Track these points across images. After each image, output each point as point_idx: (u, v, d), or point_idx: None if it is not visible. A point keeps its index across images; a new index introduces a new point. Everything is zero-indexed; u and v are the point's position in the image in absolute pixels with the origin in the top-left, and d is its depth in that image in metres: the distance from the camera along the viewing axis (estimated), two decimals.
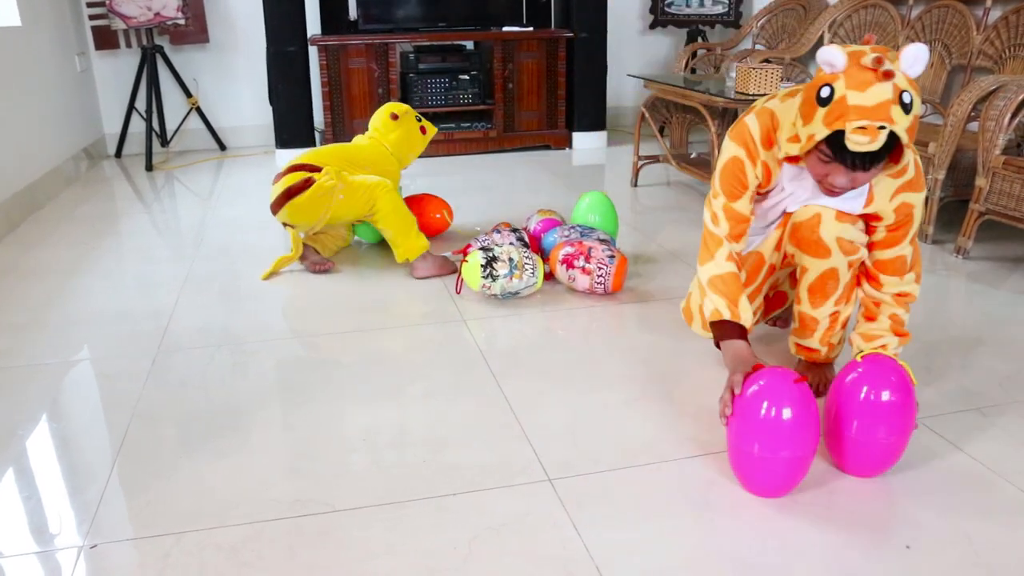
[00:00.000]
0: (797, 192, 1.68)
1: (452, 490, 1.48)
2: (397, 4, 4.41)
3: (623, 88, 5.15)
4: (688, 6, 4.85)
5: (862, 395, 1.45)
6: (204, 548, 1.33)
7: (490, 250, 2.31)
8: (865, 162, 1.42)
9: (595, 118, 4.64)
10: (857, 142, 1.36)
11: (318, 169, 2.53)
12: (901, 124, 1.35)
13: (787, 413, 1.37)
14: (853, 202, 1.62)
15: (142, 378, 1.94)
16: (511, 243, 2.49)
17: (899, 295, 1.68)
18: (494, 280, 2.28)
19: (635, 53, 5.13)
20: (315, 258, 2.66)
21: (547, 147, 4.64)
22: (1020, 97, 2.49)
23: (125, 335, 2.19)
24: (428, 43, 4.36)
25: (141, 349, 2.10)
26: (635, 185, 3.79)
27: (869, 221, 1.66)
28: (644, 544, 1.34)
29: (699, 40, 4.80)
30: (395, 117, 2.80)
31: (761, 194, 1.71)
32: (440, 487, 1.48)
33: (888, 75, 1.34)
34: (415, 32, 4.37)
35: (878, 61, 1.34)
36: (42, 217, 3.39)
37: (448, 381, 1.90)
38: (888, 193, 1.59)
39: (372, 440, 1.65)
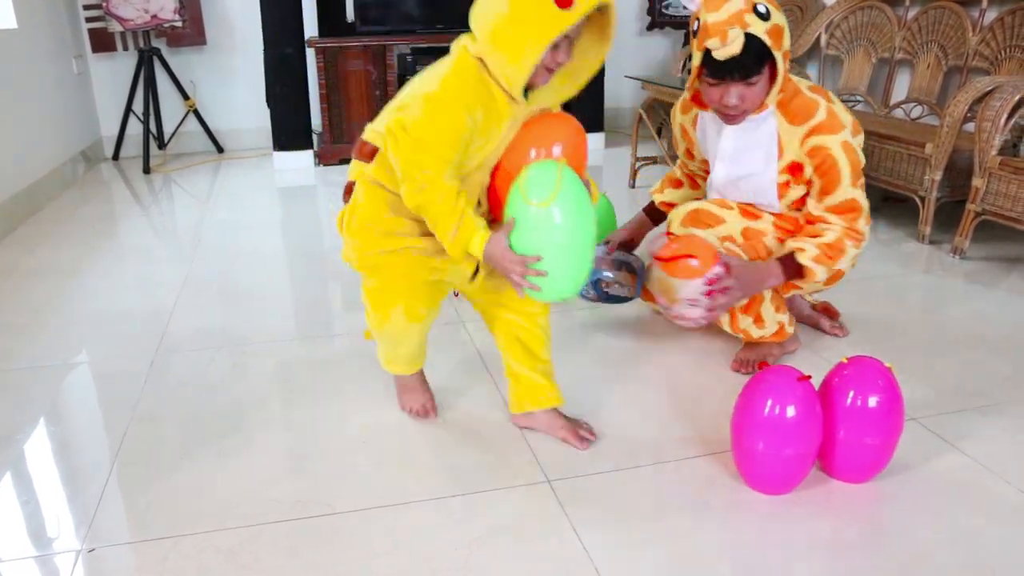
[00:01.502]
0: (708, 138, 1.88)
1: (452, 491, 1.48)
2: (394, 6, 4.41)
3: (621, 89, 5.15)
4: (685, 8, 4.85)
5: (848, 400, 1.43)
6: (203, 551, 1.33)
7: None
8: (735, 70, 1.56)
9: (593, 119, 4.64)
10: (714, 47, 1.53)
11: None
12: (756, 27, 1.52)
13: (791, 411, 1.37)
14: (759, 158, 1.75)
15: (141, 380, 1.93)
16: None
17: (849, 230, 1.71)
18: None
19: (632, 55, 5.13)
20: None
21: None
22: (1016, 98, 2.49)
23: (124, 337, 2.18)
24: (425, 45, 4.36)
25: (140, 351, 2.09)
26: (633, 186, 3.79)
27: (795, 176, 1.74)
28: (643, 545, 1.34)
29: None
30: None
31: (700, 160, 2.00)
32: (440, 488, 1.48)
33: None
34: (412, 34, 4.37)
35: None
36: (40, 219, 3.38)
37: (446, 382, 1.90)
38: (796, 140, 1.69)
39: (372, 441, 1.65)
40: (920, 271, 2.60)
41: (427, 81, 1.39)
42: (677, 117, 1.99)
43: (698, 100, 1.81)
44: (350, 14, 4.41)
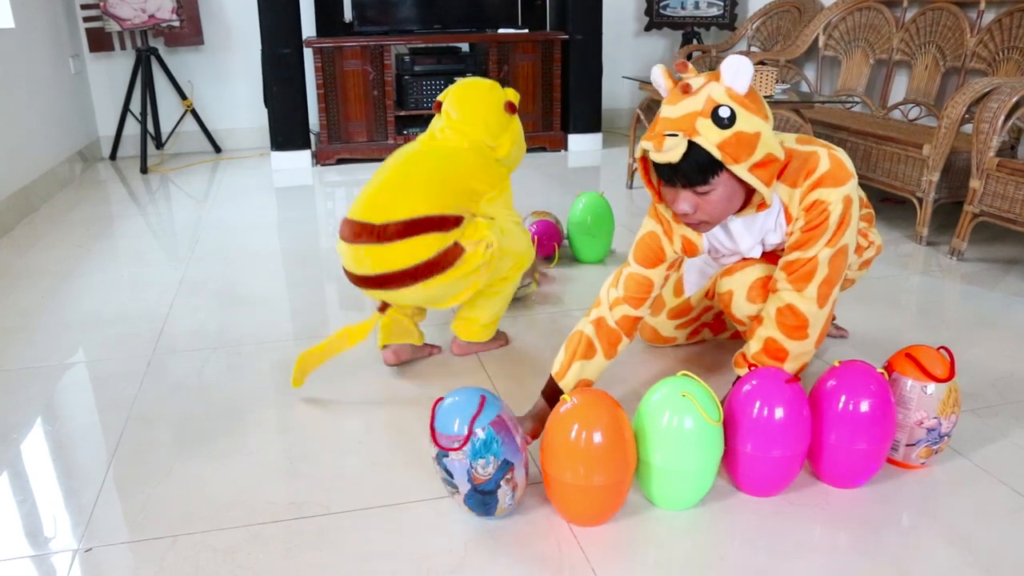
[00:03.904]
0: (718, 239, 1.62)
1: (448, 492, 1.47)
2: (392, 6, 4.41)
3: (618, 90, 5.16)
4: (683, 8, 4.86)
5: (839, 405, 1.42)
6: (200, 551, 1.33)
7: None
8: (675, 177, 1.37)
9: (590, 120, 4.64)
10: (645, 148, 1.36)
11: (453, 222, 1.73)
12: (708, 136, 1.31)
13: (779, 413, 1.37)
14: (773, 236, 1.54)
15: (137, 381, 1.93)
16: None
17: (785, 309, 1.50)
18: None
19: (630, 55, 5.14)
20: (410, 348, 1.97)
21: (543, 149, 4.64)
22: (1014, 99, 2.50)
23: (120, 338, 2.18)
24: (423, 45, 4.36)
25: (136, 352, 2.09)
26: (631, 187, 3.79)
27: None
28: (638, 546, 1.34)
29: (694, 42, 4.80)
30: (512, 108, 1.91)
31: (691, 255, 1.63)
32: (436, 489, 1.48)
33: (686, 89, 1.35)
34: (410, 34, 4.37)
35: (685, 86, 1.36)
36: (36, 220, 3.38)
37: (444, 382, 1.90)
38: (798, 199, 1.47)
39: (368, 442, 1.65)
40: (917, 272, 2.61)
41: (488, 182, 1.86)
42: (668, 226, 1.59)
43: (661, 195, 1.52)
44: (348, 14, 4.41)
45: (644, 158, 1.47)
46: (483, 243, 1.75)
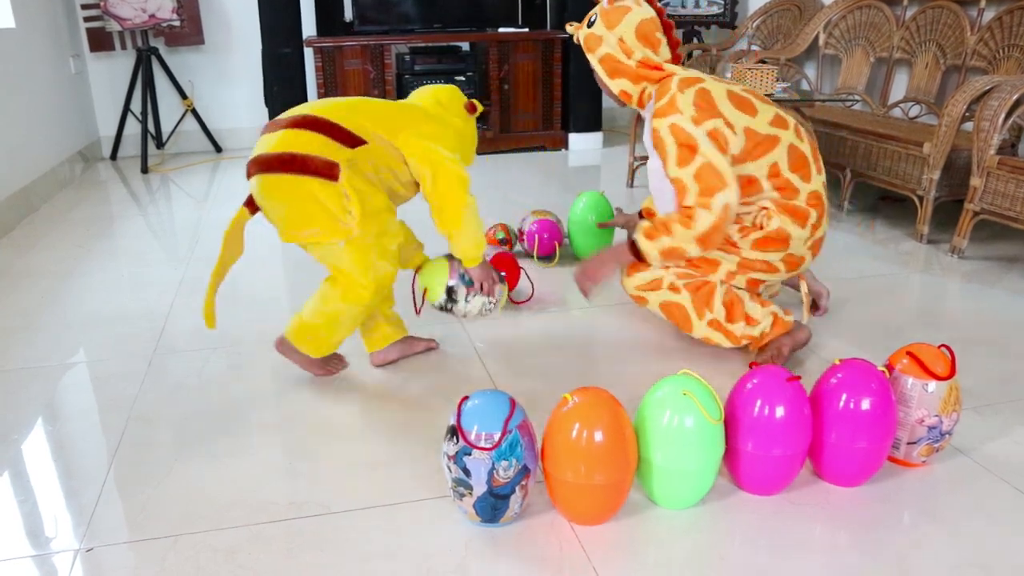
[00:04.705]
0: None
1: (447, 491, 1.47)
2: (392, 6, 4.40)
3: None
4: (684, 7, 4.85)
5: (840, 403, 1.42)
6: (200, 551, 1.33)
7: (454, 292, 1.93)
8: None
9: (591, 119, 4.64)
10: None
11: (350, 139, 1.69)
12: (581, 32, 1.92)
13: (780, 411, 1.37)
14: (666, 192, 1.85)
15: (138, 381, 1.93)
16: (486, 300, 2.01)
17: (680, 207, 1.79)
18: (454, 303, 1.94)
19: None
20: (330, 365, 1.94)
21: (543, 148, 4.64)
22: (1014, 97, 2.50)
23: (121, 337, 2.18)
24: (424, 44, 4.36)
25: (137, 351, 2.09)
26: (631, 185, 3.79)
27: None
28: (641, 545, 1.34)
29: (695, 41, 4.80)
30: (472, 109, 1.91)
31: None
32: (437, 489, 1.48)
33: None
34: (411, 33, 4.37)
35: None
36: (37, 220, 3.38)
37: (444, 382, 1.90)
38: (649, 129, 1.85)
39: (369, 441, 1.65)
40: (918, 270, 2.60)
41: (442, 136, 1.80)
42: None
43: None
44: (348, 14, 4.41)
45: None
46: (352, 210, 1.67)
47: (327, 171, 1.64)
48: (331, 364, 1.93)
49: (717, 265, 1.88)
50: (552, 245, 2.68)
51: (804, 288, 2.01)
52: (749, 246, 1.85)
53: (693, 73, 1.83)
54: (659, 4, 1.88)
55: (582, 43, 1.91)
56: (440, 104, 1.86)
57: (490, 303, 1.95)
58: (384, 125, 1.74)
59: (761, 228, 1.83)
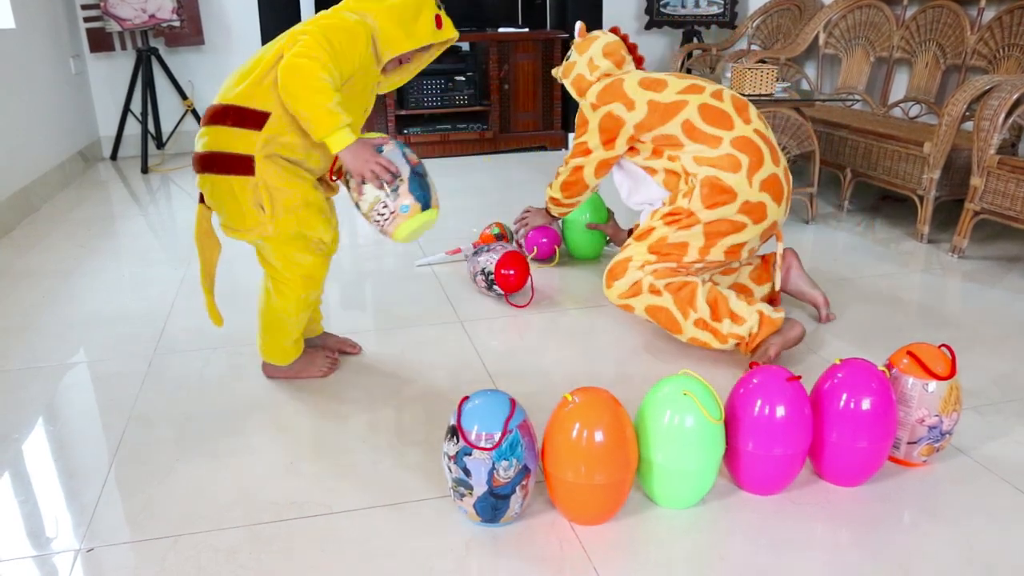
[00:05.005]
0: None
1: (449, 492, 1.47)
2: None
3: None
4: (684, 7, 4.85)
5: (840, 403, 1.42)
6: (201, 551, 1.33)
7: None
8: None
9: None
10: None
11: (254, 118, 1.61)
12: (560, 66, 2.20)
13: (780, 411, 1.37)
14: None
15: (138, 380, 1.93)
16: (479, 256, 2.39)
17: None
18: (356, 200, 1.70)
19: None
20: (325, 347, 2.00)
21: (543, 148, 4.64)
22: (1014, 96, 2.50)
23: (121, 337, 2.18)
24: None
25: (137, 351, 2.09)
26: None
27: None
28: (641, 544, 1.34)
29: (695, 41, 4.80)
30: (440, 24, 1.72)
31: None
32: (438, 488, 1.48)
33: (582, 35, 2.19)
34: None
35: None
36: (37, 220, 3.38)
37: (445, 382, 1.90)
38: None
39: (370, 441, 1.65)
40: (919, 270, 2.60)
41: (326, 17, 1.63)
42: None
43: None
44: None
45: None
46: (266, 207, 1.63)
47: (242, 167, 1.61)
48: (316, 364, 1.92)
49: (686, 247, 1.90)
50: (552, 249, 2.68)
51: (780, 249, 2.08)
52: (701, 207, 1.87)
53: (640, 74, 2.06)
54: (622, 32, 2.18)
55: (560, 74, 2.17)
56: (392, 13, 1.66)
57: (383, 205, 1.59)
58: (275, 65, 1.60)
59: (692, 186, 1.90)
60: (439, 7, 1.72)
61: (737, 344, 1.91)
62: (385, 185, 1.61)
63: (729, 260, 1.94)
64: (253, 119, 1.60)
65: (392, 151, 1.61)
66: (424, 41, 1.69)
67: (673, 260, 1.91)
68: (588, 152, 2.07)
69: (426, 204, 1.34)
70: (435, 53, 1.83)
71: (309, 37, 1.56)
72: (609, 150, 2.03)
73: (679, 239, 1.90)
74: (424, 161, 1.94)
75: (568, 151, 2.25)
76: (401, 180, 1.43)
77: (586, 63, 2.11)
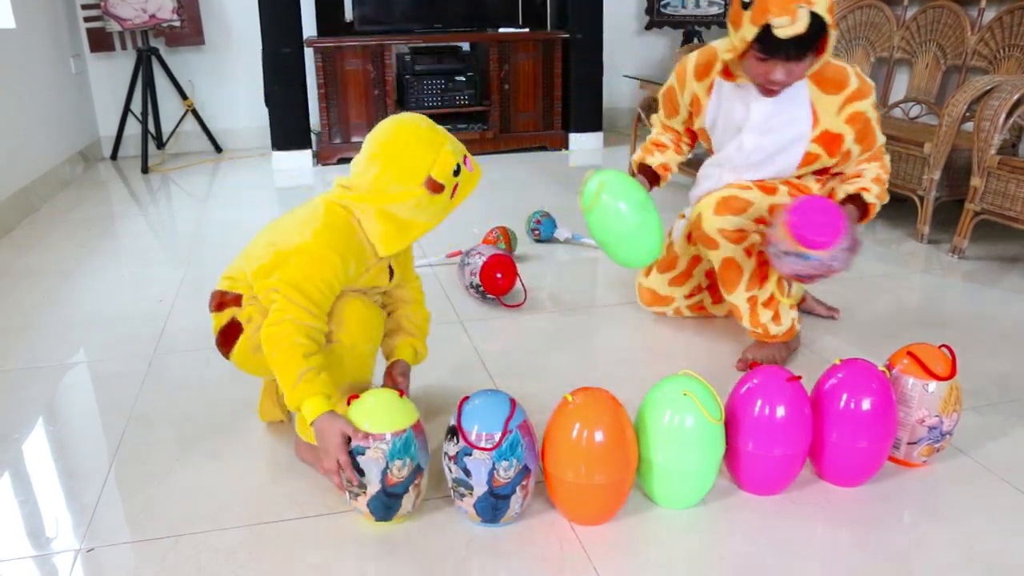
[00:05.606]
0: (734, 109, 1.83)
1: (449, 491, 1.47)
2: (393, 5, 4.40)
3: (619, 89, 5.15)
4: (684, 7, 4.86)
5: (840, 403, 1.42)
6: (201, 551, 1.33)
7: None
8: (796, 49, 1.58)
9: (591, 119, 4.64)
10: (781, 26, 1.53)
11: (233, 299, 1.54)
12: (820, 4, 1.54)
13: (780, 411, 1.37)
14: (794, 130, 1.77)
15: (138, 380, 1.93)
16: None
17: (882, 166, 1.87)
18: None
19: (631, 54, 5.13)
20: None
21: (544, 148, 4.64)
22: (1015, 97, 2.49)
23: (121, 337, 2.18)
24: (424, 44, 4.36)
25: (137, 351, 2.09)
26: None
27: (829, 148, 1.80)
28: (642, 544, 1.34)
29: (695, 41, 4.80)
30: (435, 188, 1.48)
31: (695, 130, 2.00)
32: (437, 488, 1.48)
33: None
34: (411, 33, 4.37)
35: None
36: (37, 220, 3.38)
37: (445, 382, 1.90)
38: (834, 109, 1.75)
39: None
40: (919, 270, 2.60)
41: (295, 233, 1.47)
42: (690, 83, 1.89)
43: (728, 72, 1.80)
44: (348, 14, 4.41)
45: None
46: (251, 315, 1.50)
47: (238, 327, 1.53)
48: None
49: (775, 189, 1.85)
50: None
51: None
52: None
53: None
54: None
55: (826, 15, 1.57)
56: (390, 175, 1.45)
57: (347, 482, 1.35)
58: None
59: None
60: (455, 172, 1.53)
61: (752, 333, 1.93)
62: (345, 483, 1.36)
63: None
64: (230, 300, 1.55)
65: (374, 461, 1.30)
66: (424, 231, 1.53)
67: (762, 205, 1.82)
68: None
69: (383, 519, 1.27)
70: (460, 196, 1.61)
71: (280, 295, 1.38)
72: None
73: (771, 184, 1.85)
74: None
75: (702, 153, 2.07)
76: (362, 491, 1.29)
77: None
